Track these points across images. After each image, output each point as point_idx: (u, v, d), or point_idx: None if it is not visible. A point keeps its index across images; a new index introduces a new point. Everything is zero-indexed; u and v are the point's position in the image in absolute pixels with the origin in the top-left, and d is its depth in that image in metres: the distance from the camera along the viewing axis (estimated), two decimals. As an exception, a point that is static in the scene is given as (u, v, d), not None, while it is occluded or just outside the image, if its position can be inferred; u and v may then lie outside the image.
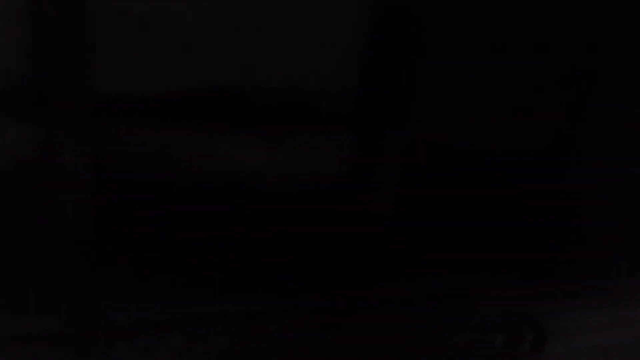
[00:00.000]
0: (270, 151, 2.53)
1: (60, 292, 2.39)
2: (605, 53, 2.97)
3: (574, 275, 3.45)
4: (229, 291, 2.70)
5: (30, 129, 2.09)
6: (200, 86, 2.29)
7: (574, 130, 3.08)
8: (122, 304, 2.54)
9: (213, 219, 2.53)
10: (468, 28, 2.65)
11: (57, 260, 2.33)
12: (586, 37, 2.91)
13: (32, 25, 1.96)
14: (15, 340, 2.40)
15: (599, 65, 2.98)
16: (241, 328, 2.69)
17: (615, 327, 3.46)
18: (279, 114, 2.50)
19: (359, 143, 2.67)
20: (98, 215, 2.34)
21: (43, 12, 1.92)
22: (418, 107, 2.70)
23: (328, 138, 2.62)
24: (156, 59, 2.18)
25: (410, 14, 2.47)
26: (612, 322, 3.48)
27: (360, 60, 2.51)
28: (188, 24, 2.17)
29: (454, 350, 3.01)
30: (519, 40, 2.80)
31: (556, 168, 3.12)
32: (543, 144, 3.08)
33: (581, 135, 3.10)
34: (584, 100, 3.04)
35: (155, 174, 2.36)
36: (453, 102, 2.79)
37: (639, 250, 3.64)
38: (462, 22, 2.63)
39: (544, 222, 3.25)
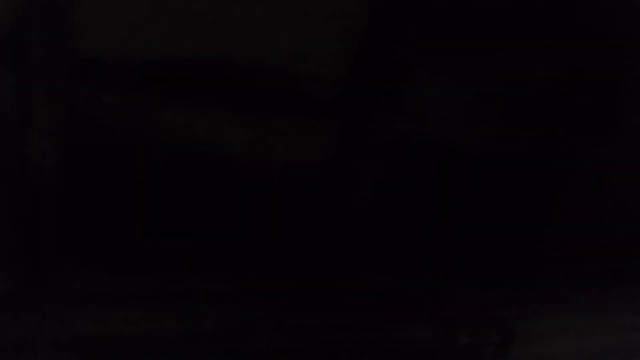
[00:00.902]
0: (252, 130, 2.48)
1: (15, 255, 2.32)
2: (590, 57, 2.95)
3: (545, 281, 3.43)
4: (194, 268, 2.64)
5: (7, 84, 2.03)
6: (183, 58, 2.24)
7: (553, 134, 3.05)
8: (78, 273, 2.47)
9: (183, 193, 2.47)
10: (460, 28, 2.63)
11: (15, 222, 2.26)
12: (571, 43, 2.89)
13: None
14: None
15: (583, 70, 2.96)
16: (203, 307, 2.63)
17: (581, 335, 3.44)
18: (265, 95, 2.46)
19: (343, 132, 2.63)
20: (64, 179, 2.27)
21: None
22: (406, 102, 2.66)
23: (313, 124, 2.58)
24: (140, 26, 2.12)
25: (405, 9, 2.44)
26: (579, 329, 3.46)
27: (352, 49, 2.48)
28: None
29: (418, 346, 2.97)
30: (507, 43, 2.77)
31: (534, 173, 3.10)
32: (523, 148, 3.05)
33: (560, 139, 3.08)
34: (566, 107, 3.02)
35: (129, 142, 2.30)
36: (440, 101, 2.76)
37: (608, 261, 3.62)
38: (456, 21, 2.60)
39: (519, 226, 3.22)
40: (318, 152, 2.63)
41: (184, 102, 2.32)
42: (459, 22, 2.63)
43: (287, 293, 2.80)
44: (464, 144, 2.92)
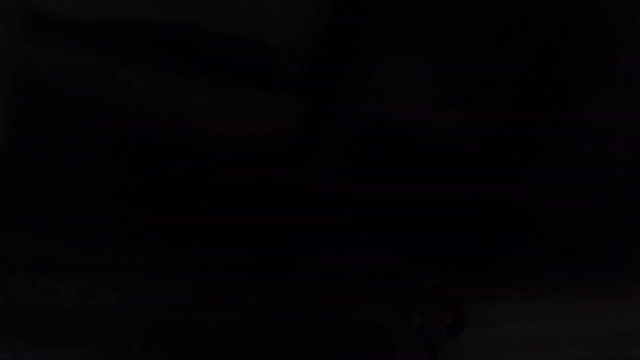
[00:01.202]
0: (213, 100, 2.42)
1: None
2: (558, 42, 2.91)
3: (500, 266, 3.44)
4: (147, 240, 2.61)
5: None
6: (143, 19, 2.15)
7: (518, 123, 3.03)
8: (25, 240, 2.43)
9: (135, 160, 2.41)
10: (432, 8, 2.57)
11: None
12: (536, 31, 2.84)
13: None
14: None
15: (551, 54, 2.91)
16: (151, 280, 2.61)
17: (535, 320, 3.49)
18: (229, 63, 2.39)
19: (307, 108, 2.58)
20: (10, 141, 2.20)
21: None
22: (376, 84, 2.61)
23: (277, 97, 2.53)
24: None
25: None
26: (533, 315, 3.50)
27: (321, 24, 2.42)
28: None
29: (369, 325, 2.99)
30: (477, 26, 2.72)
31: (496, 158, 3.08)
32: (488, 132, 3.03)
33: (525, 125, 3.05)
34: (532, 97, 2.99)
35: (83, 105, 2.23)
36: (409, 82, 2.72)
37: (565, 248, 3.65)
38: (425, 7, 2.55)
39: (476, 210, 3.22)
40: (281, 126, 2.58)
41: (142, 66, 2.25)
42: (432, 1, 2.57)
43: (241, 269, 2.79)
44: (430, 127, 2.89)
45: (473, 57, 2.81)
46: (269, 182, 2.66)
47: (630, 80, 3.15)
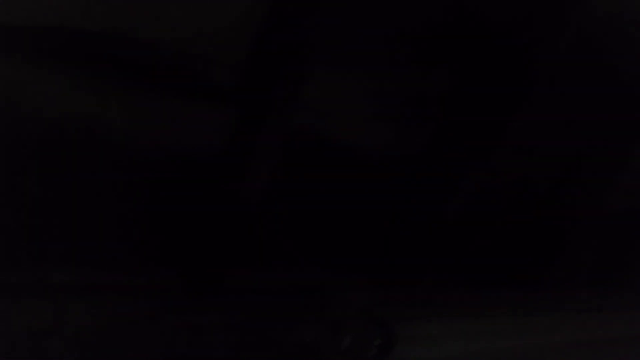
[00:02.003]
0: (138, 110, 2.31)
1: None
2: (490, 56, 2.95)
3: (430, 284, 3.44)
4: (75, 260, 2.44)
5: None
6: (70, 24, 2.04)
7: (449, 136, 3.05)
8: None
9: (61, 175, 2.26)
10: (364, 22, 2.56)
11: None
12: (469, 43, 2.88)
13: None
14: None
15: (482, 68, 2.96)
16: (70, 302, 2.43)
17: (468, 338, 3.49)
18: (157, 72, 2.30)
19: (237, 120, 2.50)
20: None
21: None
22: (305, 97, 2.56)
23: (206, 109, 2.44)
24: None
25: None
26: (465, 332, 3.50)
27: (253, 35, 2.36)
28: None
29: (299, 347, 2.90)
30: (409, 41, 2.73)
31: (428, 174, 3.09)
32: (420, 148, 3.04)
33: (454, 140, 3.08)
34: (464, 106, 3.02)
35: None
36: (340, 97, 2.69)
37: (495, 263, 3.69)
38: (361, 14, 2.54)
39: (406, 228, 3.21)
40: (210, 140, 2.49)
41: (66, 73, 2.13)
42: (364, 15, 2.56)
43: (170, 289, 2.65)
44: (361, 142, 2.87)
45: (404, 71, 2.81)
46: (195, 195, 2.56)
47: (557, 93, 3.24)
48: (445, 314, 3.42)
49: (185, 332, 2.60)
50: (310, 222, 2.90)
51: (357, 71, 2.69)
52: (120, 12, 2.11)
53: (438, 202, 3.19)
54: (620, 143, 3.75)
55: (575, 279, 4.21)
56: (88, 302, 2.43)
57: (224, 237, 2.66)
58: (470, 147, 3.10)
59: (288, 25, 2.37)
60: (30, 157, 2.19)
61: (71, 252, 2.42)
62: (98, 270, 2.49)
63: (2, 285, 2.30)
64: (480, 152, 3.15)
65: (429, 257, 3.37)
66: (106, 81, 2.21)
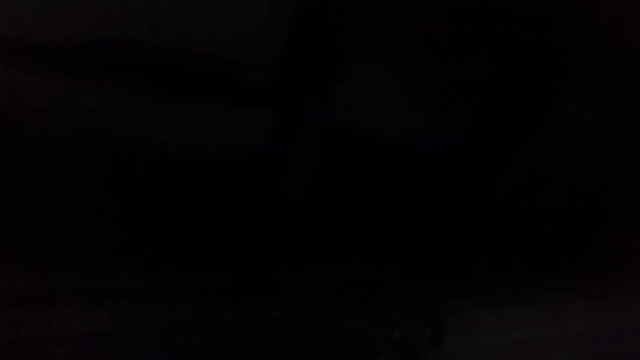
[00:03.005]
0: (178, 117, 2.36)
1: None
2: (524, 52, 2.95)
3: (478, 273, 3.43)
4: (120, 264, 2.51)
5: None
6: (104, 37, 2.11)
7: (485, 127, 3.05)
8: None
9: (105, 182, 2.33)
10: (396, 13, 2.58)
11: None
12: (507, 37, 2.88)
13: None
14: None
15: (519, 60, 2.95)
16: (131, 305, 2.50)
17: (514, 326, 3.46)
18: (193, 79, 2.35)
19: (274, 120, 2.54)
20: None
21: None
22: (341, 91, 2.59)
23: (243, 111, 2.49)
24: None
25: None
26: (512, 321, 3.48)
27: (286, 33, 2.40)
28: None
29: (351, 340, 2.93)
30: (442, 32, 2.74)
31: (467, 164, 3.08)
32: (456, 139, 3.04)
33: (491, 132, 3.07)
34: (499, 98, 3.01)
35: (43, 129, 2.15)
36: (375, 90, 2.71)
37: (541, 252, 3.66)
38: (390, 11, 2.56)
39: (452, 218, 3.21)
40: (249, 142, 2.54)
41: (104, 85, 2.19)
42: (396, 6, 2.58)
43: (220, 289, 2.70)
44: (397, 134, 2.88)
45: (438, 62, 2.82)
46: (240, 197, 2.60)
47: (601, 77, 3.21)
48: (495, 303, 3.41)
49: (239, 331, 2.64)
50: (355, 216, 2.93)
51: (392, 63, 2.71)
52: (153, 17, 2.17)
53: (483, 190, 3.18)
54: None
55: (626, 264, 4.15)
56: (144, 304, 2.50)
57: (272, 236, 2.70)
58: (512, 132, 3.08)
59: (321, 22, 2.41)
60: (73, 174, 2.26)
61: (124, 255, 2.49)
62: (152, 274, 2.55)
63: (58, 290, 2.38)
64: (521, 138, 3.14)
65: (478, 246, 3.36)
66: (144, 87, 2.27)
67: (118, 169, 2.34)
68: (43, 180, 2.22)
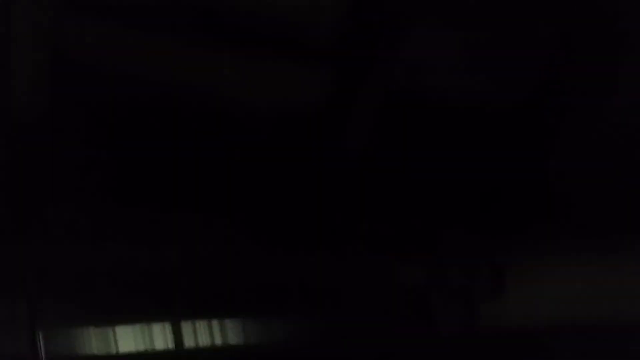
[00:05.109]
0: (243, 73, 2.45)
1: None
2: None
3: (541, 223, 3.42)
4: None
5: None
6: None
7: (550, 87, 2.99)
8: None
9: (166, 138, 2.43)
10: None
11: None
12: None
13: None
14: None
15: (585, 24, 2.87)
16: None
17: (577, 277, 3.47)
18: (257, 37, 2.41)
19: (337, 80, 2.58)
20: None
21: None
22: (402, 51, 2.61)
23: (306, 70, 2.53)
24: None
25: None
26: (575, 271, 3.48)
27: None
28: None
29: (409, 290, 3.02)
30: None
31: (531, 123, 3.05)
32: (520, 99, 3.00)
33: (557, 92, 3.02)
34: (565, 60, 2.94)
35: (112, 80, 2.24)
36: (437, 50, 2.70)
37: (608, 209, 3.60)
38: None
39: (513, 175, 3.20)
40: (311, 99, 2.59)
41: (171, 37, 2.28)
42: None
43: (281, 242, 2.79)
44: (460, 94, 2.88)
45: (504, 23, 2.78)
46: (303, 155, 2.68)
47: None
48: (554, 253, 3.41)
49: (295, 280, 2.73)
50: (415, 172, 2.97)
51: (454, 25, 2.69)
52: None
53: (543, 149, 3.15)
54: None
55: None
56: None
57: (334, 190, 2.78)
58: (574, 96, 3.02)
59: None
60: (146, 119, 2.33)
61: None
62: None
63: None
64: (582, 102, 3.07)
65: (536, 202, 3.35)
66: (206, 48, 2.35)
67: (180, 122, 2.41)
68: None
